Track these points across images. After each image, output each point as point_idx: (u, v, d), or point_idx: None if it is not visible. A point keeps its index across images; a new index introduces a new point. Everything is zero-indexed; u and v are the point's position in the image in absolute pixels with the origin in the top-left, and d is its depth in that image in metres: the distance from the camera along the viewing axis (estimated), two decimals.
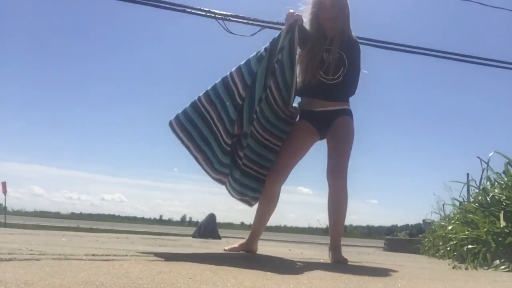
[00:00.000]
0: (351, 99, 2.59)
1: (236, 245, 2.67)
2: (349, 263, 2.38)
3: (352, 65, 2.48)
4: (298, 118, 2.60)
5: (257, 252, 2.65)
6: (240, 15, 4.96)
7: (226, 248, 2.67)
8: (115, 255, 1.85)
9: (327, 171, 2.45)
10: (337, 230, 2.48)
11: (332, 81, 2.46)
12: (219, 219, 6.73)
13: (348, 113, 2.54)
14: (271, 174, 2.53)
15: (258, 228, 2.63)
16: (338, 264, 2.28)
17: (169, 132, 2.43)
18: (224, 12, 4.92)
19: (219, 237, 5.85)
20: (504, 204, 3.52)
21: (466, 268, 3.01)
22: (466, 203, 4.90)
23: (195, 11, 5.06)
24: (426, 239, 6.42)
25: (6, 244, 2.14)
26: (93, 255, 1.82)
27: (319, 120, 2.52)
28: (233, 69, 2.36)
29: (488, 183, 4.38)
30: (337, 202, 2.43)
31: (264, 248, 3.73)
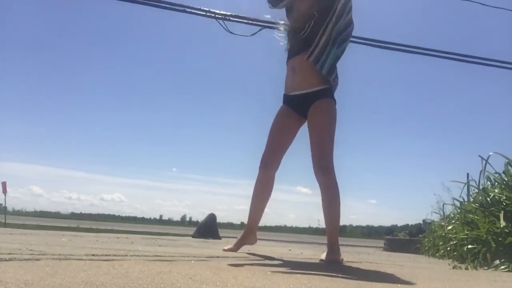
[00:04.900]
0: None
1: (233, 245, 2.66)
2: (345, 263, 2.36)
3: (322, 17, 2.39)
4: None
5: (257, 252, 2.64)
6: (240, 15, 4.96)
7: (225, 248, 2.66)
8: (115, 255, 1.85)
9: (313, 169, 2.40)
10: (331, 228, 2.41)
11: (303, 34, 2.41)
12: (219, 219, 6.74)
13: (325, 94, 2.43)
14: (261, 161, 2.53)
15: (253, 219, 2.60)
16: (338, 264, 2.27)
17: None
18: (224, 12, 4.92)
19: (219, 237, 5.85)
20: (504, 204, 3.52)
21: (466, 268, 3.01)
22: (466, 203, 4.90)
23: (195, 11, 5.06)
24: (426, 239, 6.43)
25: (6, 244, 2.14)
26: (93, 255, 1.82)
27: (296, 104, 2.48)
28: None
29: (488, 183, 4.38)
30: (328, 200, 2.39)
31: (264, 248, 3.72)
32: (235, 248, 2.61)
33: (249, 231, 2.62)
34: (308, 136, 2.48)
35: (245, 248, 2.72)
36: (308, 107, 2.44)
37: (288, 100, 2.54)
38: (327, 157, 2.39)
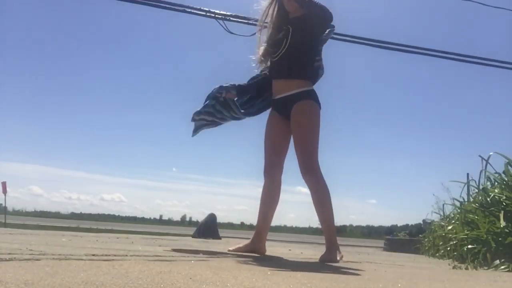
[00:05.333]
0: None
1: (241, 245, 2.63)
2: (345, 263, 2.36)
3: (297, 38, 2.44)
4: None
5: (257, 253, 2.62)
6: (240, 15, 4.96)
7: (231, 248, 2.63)
8: (115, 255, 1.85)
9: (300, 170, 2.43)
10: (326, 228, 2.42)
11: (276, 57, 2.50)
12: (219, 219, 6.73)
13: (305, 95, 2.47)
14: (264, 169, 2.56)
15: (262, 226, 2.58)
16: (338, 264, 2.27)
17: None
18: (224, 12, 4.91)
19: (219, 237, 5.85)
20: (504, 204, 3.52)
21: (466, 268, 3.01)
22: (466, 203, 4.90)
23: (195, 11, 5.05)
24: (426, 239, 6.42)
25: (6, 244, 2.14)
26: (93, 255, 1.82)
27: (281, 107, 2.53)
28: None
29: (488, 183, 4.37)
30: (318, 200, 2.40)
31: None
32: (243, 249, 2.57)
33: (258, 238, 2.58)
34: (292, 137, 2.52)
35: None
36: (289, 109, 2.49)
37: (274, 104, 2.60)
38: (311, 157, 2.41)
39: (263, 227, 2.59)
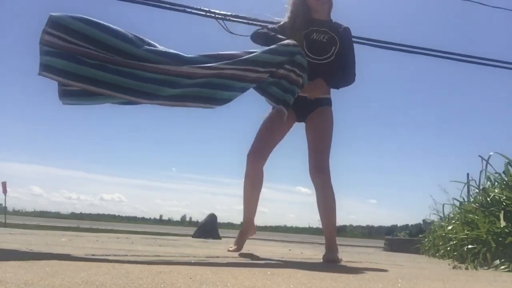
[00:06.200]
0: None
1: (237, 246, 2.65)
2: (345, 263, 2.37)
3: (343, 48, 2.50)
4: None
5: (257, 252, 2.64)
6: (240, 15, 4.96)
7: (230, 248, 2.66)
8: (115, 255, 1.85)
9: (309, 170, 2.44)
10: (328, 228, 2.44)
11: (322, 61, 2.47)
12: (219, 219, 6.75)
13: (328, 102, 2.55)
14: (250, 154, 2.47)
15: (250, 213, 2.60)
16: (338, 264, 2.28)
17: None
18: (224, 12, 4.91)
19: (219, 237, 5.86)
20: (504, 204, 3.52)
21: (466, 268, 3.01)
22: (466, 203, 4.90)
23: (195, 11, 5.06)
24: (426, 239, 6.43)
25: (6, 244, 2.14)
26: (93, 255, 1.82)
27: (299, 105, 2.49)
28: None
29: (488, 183, 4.38)
30: (324, 200, 2.43)
31: (264, 248, 3.72)
32: (239, 247, 2.61)
33: (248, 225, 2.64)
34: (306, 138, 2.53)
35: (246, 248, 2.73)
36: (309, 111, 2.51)
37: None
38: (324, 159, 2.44)
39: (251, 214, 2.62)
